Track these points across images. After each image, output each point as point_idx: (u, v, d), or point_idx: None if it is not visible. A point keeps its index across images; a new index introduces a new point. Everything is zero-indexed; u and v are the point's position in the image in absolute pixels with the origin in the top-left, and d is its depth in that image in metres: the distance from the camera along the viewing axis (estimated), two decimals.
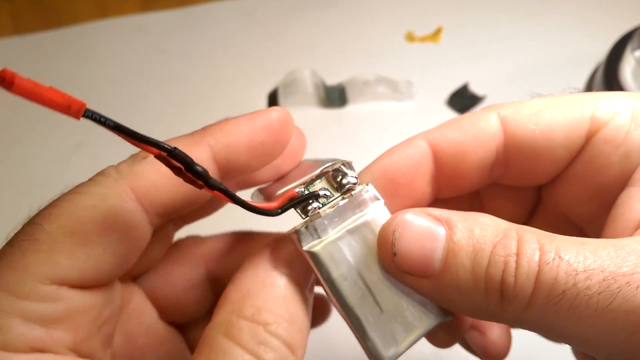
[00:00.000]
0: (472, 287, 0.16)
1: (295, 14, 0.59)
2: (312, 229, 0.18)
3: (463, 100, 0.49)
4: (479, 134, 0.20)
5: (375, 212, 0.18)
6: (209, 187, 0.16)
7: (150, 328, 0.22)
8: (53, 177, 0.46)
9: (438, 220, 0.17)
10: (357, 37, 0.56)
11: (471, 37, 0.55)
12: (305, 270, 0.18)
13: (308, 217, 0.18)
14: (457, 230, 0.17)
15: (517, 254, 0.16)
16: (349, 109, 0.50)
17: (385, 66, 0.52)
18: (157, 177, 0.18)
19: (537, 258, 0.16)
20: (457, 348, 0.35)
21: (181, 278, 0.23)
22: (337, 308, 0.18)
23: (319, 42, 0.56)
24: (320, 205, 0.18)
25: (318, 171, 0.18)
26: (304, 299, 0.18)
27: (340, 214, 0.18)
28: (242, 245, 0.24)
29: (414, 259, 0.17)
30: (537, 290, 0.15)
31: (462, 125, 0.21)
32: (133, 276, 0.22)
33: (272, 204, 0.18)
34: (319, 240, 0.18)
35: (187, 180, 0.15)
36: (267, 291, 0.17)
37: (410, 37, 0.55)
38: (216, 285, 0.23)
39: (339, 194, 0.18)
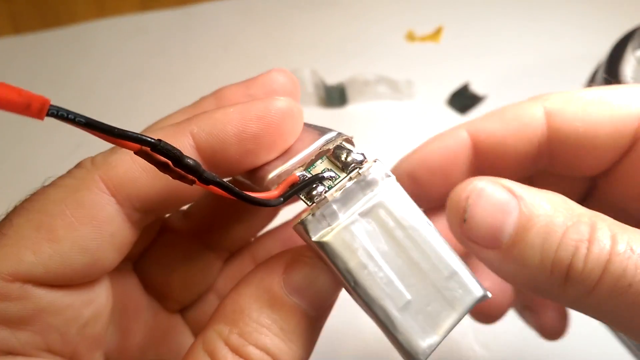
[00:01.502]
0: (537, 266, 0.16)
1: (295, 14, 0.59)
2: (320, 216, 0.15)
3: (463, 100, 0.49)
4: (522, 127, 0.20)
5: (389, 190, 0.16)
6: (203, 182, 0.14)
7: (149, 322, 0.20)
8: (53, 177, 0.46)
9: (512, 193, 0.16)
10: (357, 37, 0.56)
11: (471, 37, 0.55)
12: (318, 302, 0.16)
13: (314, 204, 0.16)
14: (531, 207, 0.16)
15: (590, 241, 0.15)
16: (349, 109, 0.50)
17: (386, 66, 0.52)
18: (133, 168, 0.16)
19: (608, 247, 0.15)
20: (457, 346, 0.35)
21: (174, 257, 0.21)
22: (359, 302, 0.16)
23: (319, 41, 0.56)
24: (327, 189, 0.16)
25: (316, 149, 0.17)
26: (309, 334, 0.16)
27: (350, 196, 0.16)
28: (235, 209, 0.21)
29: (484, 229, 0.16)
30: (603, 279, 0.15)
31: (505, 116, 0.21)
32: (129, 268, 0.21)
33: (273, 193, 0.16)
34: (329, 228, 0.15)
35: (175, 176, 0.14)
36: (264, 319, 0.15)
37: (410, 37, 0.55)
38: (218, 252, 0.22)
39: (346, 175, 0.16)
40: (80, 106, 0.51)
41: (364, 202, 0.16)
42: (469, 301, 0.16)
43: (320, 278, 0.16)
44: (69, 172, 0.16)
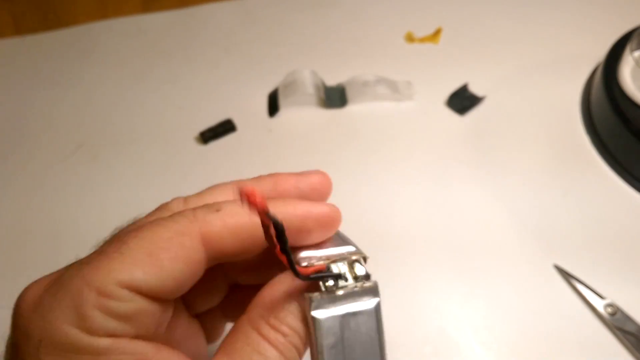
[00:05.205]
0: None
1: (295, 14, 0.59)
2: (324, 300, 0.21)
3: (462, 100, 0.49)
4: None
5: (372, 308, 0.22)
6: (281, 250, 0.19)
7: (183, 320, 0.26)
8: (54, 177, 0.47)
9: None
10: (357, 38, 0.56)
11: (470, 38, 0.55)
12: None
13: (325, 290, 0.21)
14: None
15: None
16: (349, 109, 0.50)
17: (385, 67, 0.52)
18: (222, 229, 0.21)
19: None
20: (456, 347, 0.35)
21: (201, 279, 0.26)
22: None
23: (319, 42, 0.56)
24: (337, 285, 0.22)
25: (341, 253, 0.23)
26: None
27: (348, 297, 0.21)
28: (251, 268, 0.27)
29: None
30: None
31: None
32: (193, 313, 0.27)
33: (308, 270, 0.21)
34: (326, 310, 0.21)
35: (266, 237, 0.19)
36: (292, 309, 0.21)
37: (409, 38, 0.55)
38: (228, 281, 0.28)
39: (354, 283, 0.22)
40: (82, 106, 0.52)
41: (355, 305, 0.21)
42: None
43: None
44: (173, 217, 0.21)
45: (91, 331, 0.18)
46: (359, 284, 0.22)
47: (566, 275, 0.37)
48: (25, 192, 0.46)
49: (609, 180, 0.43)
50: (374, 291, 0.22)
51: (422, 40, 0.55)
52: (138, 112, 0.51)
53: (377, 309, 0.22)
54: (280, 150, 0.47)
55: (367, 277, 0.22)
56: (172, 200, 0.24)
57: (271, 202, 0.21)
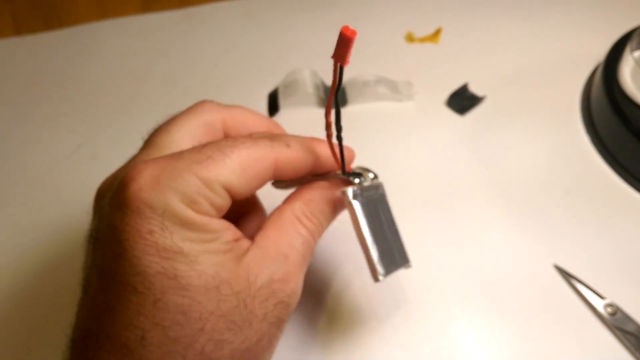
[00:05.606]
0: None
1: (295, 14, 0.59)
2: (356, 190, 0.28)
3: (462, 100, 0.49)
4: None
5: (382, 194, 0.31)
6: (337, 138, 0.27)
7: None
8: (53, 177, 0.47)
9: None
10: (357, 37, 0.56)
11: (471, 38, 0.55)
12: (334, 213, 0.30)
13: (357, 184, 0.29)
14: None
15: None
16: (349, 109, 0.50)
17: (385, 66, 0.52)
18: (287, 161, 0.28)
19: None
20: (457, 347, 0.35)
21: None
22: (360, 237, 0.28)
23: (319, 42, 0.56)
24: (361, 181, 0.29)
25: (361, 167, 0.31)
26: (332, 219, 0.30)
27: (371, 188, 0.29)
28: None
29: None
30: None
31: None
32: None
33: (349, 169, 0.31)
34: (359, 197, 0.28)
35: (327, 124, 0.27)
36: (324, 207, 0.29)
37: (409, 38, 0.55)
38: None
39: (369, 180, 0.30)
40: (81, 106, 0.52)
41: (374, 192, 0.30)
42: (401, 264, 0.30)
43: None
44: (256, 142, 0.27)
45: (199, 212, 0.24)
46: (373, 181, 0.30)
47: (566, 275, 0.37)
48: (25, 192, 0.46)
49: (609, 180, 0.43)
50: (382, 186, 0.31)
51: (422, 40, 0.55)
52: (138, 112, 0.51)
53: (385, 194, 0.31)
54: None
55: (375, 177, 0.31)
56: (206, 102, 0.31)
57: (314, 142, 0.30)
